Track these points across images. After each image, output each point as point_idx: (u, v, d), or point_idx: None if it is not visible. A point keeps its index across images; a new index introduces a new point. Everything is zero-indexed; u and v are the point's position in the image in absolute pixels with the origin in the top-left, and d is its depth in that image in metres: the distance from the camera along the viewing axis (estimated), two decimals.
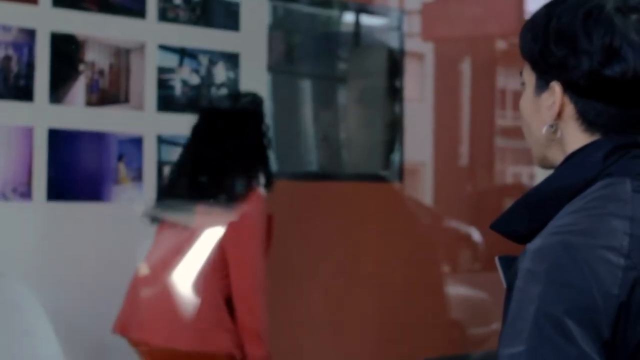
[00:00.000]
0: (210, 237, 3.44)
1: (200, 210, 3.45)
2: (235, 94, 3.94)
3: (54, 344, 3.49)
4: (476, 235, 6.16)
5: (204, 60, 3.95)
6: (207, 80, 3.95)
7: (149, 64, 3.82)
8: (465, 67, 6.50)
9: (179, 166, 3.61)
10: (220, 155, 3.46)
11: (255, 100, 3.61)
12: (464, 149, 6.46)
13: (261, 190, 3.48)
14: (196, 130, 3.53)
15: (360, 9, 5.85)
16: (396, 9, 6.06)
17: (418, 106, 6.35)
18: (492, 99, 6.51)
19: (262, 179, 3.50)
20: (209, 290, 3.36)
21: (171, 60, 3.89)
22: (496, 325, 5.41)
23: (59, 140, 3.61)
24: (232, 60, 4.01)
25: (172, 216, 3.49)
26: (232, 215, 3.35)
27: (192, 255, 3.44)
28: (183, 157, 3.60)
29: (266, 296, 3.39)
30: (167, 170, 3.83)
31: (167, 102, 3.87)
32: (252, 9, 4.08)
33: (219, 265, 3.36)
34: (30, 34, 3.54)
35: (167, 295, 3.37)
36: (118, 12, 3.75)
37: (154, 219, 3.48)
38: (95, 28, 3.69)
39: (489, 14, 6.11)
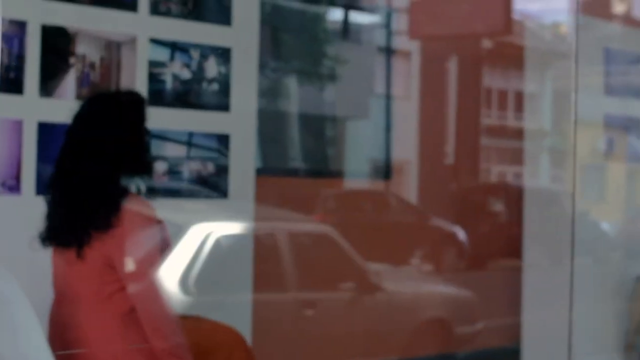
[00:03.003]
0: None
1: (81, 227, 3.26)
2: (116, 91, 3.80)
3: (42, 339, 3.44)
4: (460, 233, 6.16)
5: (195, 54, 3.92)
6: (199, 74, 3.93)
7: (140, 58, 3.79)
8: (452, 66, 6.49)
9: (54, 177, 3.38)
10: (94, 156, 3.27)
11: (135, 99, 3.52)
12: (450, 148, 6.46)
13: (141, 197, 3.38)
14: (72, 128, 3.35)
15: (348, 6, 5.85)
16: (384, 7, 6.06)
17: (404, 104, 6.34)
18: (477, 97, 6.51)
19: (141, 184, 3.40)
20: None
21: (162, 54, 3.86)
22: (482, 324, 5.42)
23: (48, 134, 3.57)
24: (223, 54, 3.98)
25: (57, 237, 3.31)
26: (115, 230, 3.21)
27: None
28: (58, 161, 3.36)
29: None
30: (158, 165, 3.80)
31: (157, 97, 3.83)
32: (244, 4, 4.06)
33: (108, 279, 3.26)
34: (21, 26, 3.50)
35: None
36: (109, 5, 3.72)
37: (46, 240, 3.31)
38: (87, 21, 3.65)
39: (476, 13, 6.10)
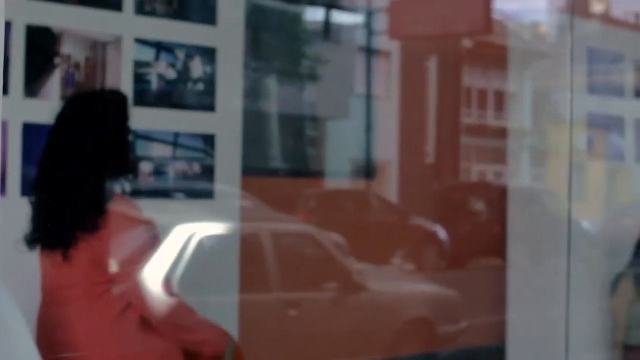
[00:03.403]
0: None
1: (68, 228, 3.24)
2: (98, 90, 3.75)
3: (29, 342, 3.42)
4: (441, 233, 6.17)
5: (180, 54, 3.90)
6: (184, 75, 3.91)
7: (126, 58, 3.77)
8: (432, 66, 6.50)
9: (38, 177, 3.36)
10: (77, 157, 3.28)
11: (117, 98, 3.51)
12: (430, 147, 6.47)
13: (127, 197, 3.37)
14: (54, 129, 3.33)
15: (328, 6, 5.85)
16: (364, 7, 6.06)
17: (385, 104, 6.35)
18: (458, 97, 6.53)
19: (125, 184, 3.40)
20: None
21: (148, 54, 3.84)
22: (465, 324, 5.43)
23: (34, 134, 3.54)
24: (209, 54, 3.97)
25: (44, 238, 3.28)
26: (102, 231, 3.20)
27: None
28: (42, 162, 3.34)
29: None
30: (143, 166, 3.78)
31: (143, 97, 3.81)
32: (229, 4, 4.04)
33: (96, 281, 3.25)
34: (6, 27, 3.46)
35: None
36: (95, 5, 3.69)
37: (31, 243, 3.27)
38: (72, 21, 3.63)
39: (456, 13, 6.12)
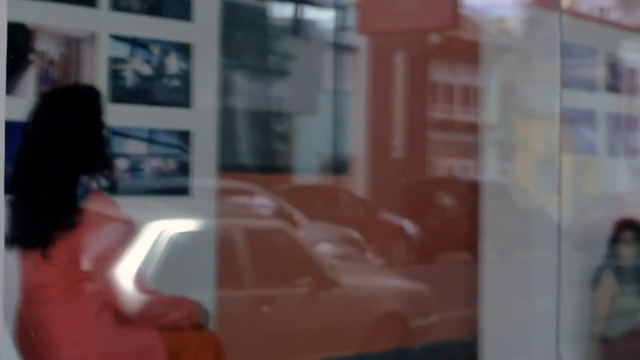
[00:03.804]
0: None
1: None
2: (71, 85, 3.74)
3: (8, 341, 3.39)
4: (410, 227, 6.18)
5: (155, 50, 3.88)
6: (159, 70, 3.88)
7: (100, 54, 3.74)
8: (400, 61, 6.51)
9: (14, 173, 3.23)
10: (52, 153, 3.22)
11: (90, 93, 3.46)
12: (399, 142, 6.48)
13: (105, 194, 3.35)
14: (28, 125, 3.27)
15: (297, 2, 5.84)
16: (333, 2, 6.06)
17: (353, 99, 6.35)
18: (425, 92, 6.54)
19: (102, 180, 3.34)
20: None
21: (123, 50, 3.81)
22: (436, 318, 5.45)
23: (9, 132, 3.49)
24: (184, 50, 3.95)
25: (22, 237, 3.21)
26: (79, 229, 3.16)
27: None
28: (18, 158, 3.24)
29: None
30: (119, 162, 3.76)
31: (118, 93, 3.78)
32: None
33: (74, 278, 3.23)
34: None
35: None
36: (69, 1, 3.66)
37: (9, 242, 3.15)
38: (46, 17, 3.59)
39: (424, 8, 6.13)
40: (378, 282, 5.57)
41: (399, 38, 6.41)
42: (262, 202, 5.47)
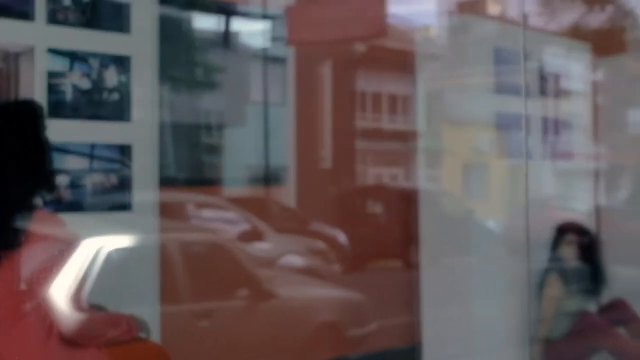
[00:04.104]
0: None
1: None
2: (10, 101, 3.65)
3: None
4: (341, 237, 6.19)
5: (94, 63, 3.82)
6: (99, 84, 3.82)
7: (38, 68, 3.67)
8: (326, 70, 6.52)
9: None
10: None
11: (31, 108, 3.42)
12: (327, 152, 6.48)
13: (50, 211, 3.29)
14: None
15: (224, 14, 5.81)
16: (260, 14, 6.04)
17: (281, 111, 6.34)
18: (352, 101, 6.56)
19: (47, 197, 3.26)
20: None
21: (61, 64, 3.74)
22: (374, 326, 5.47)
23: None
24: (123, 63, 3.89)
25: None
26: (25, 248, 3.10)
27: None
28: None
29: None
30: (59, 179, 3.68)
31: (57, 108, 3.71)
32: (142, 11, 3.97)
33: (22, 299, 3.16)
34: None
35: None
36: (5, 15, 3.58)
37: None
38: None
39: (351, 17, 6.15)
40: (314, 292, 5.56)
41: (326, 48, 6.43)
42: (227, 214, 5.45)
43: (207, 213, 5.41)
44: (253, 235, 5.53)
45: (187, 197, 5.17)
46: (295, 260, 5.76)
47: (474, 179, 5.86)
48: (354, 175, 6.60)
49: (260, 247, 5.36)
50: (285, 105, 6.38)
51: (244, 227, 5.58)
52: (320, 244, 6.11)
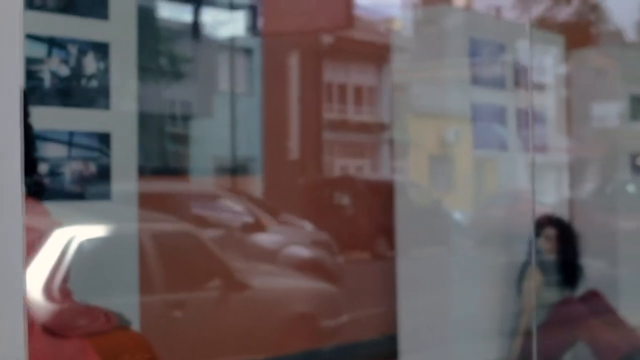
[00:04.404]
0: None
1: None
2: None
3: None
4: (309, 228, 6.17)
5: (73, 50, 3.75)
6: (77, 71, 3.76)
7: None
8: (293, 61, 6.49)
9: None
10: None
11: None
12: (294, 143, 6.45)
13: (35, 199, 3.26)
14: None
15: (192, 3, 5.76)
16: (227, 3, 6.00)
17: (248, 101, 6.30)
18: (319, 92, 6.54)
19: (31, 185, 3.26)
20: None
21: (39, 50, 3.67)
22: (347, 317, 5.46)
23: None
24: (101, 50, 3.83)
25: None
26: None
27: None
28: None
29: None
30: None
31: (35, 95, 3.65)
32: None
33: None
34: None
35: None
36: None
37: None
38: None
39: (318, 8, 6.13)
40: (288, 283, 5.52)
41: (293, 39, 6.40)
42: (228, 205, 5.42)
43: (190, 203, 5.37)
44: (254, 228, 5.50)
45: (168, 187, 5.12)
46: (332, 251, 5.77)
47: (447, 171, 5.87)
48: (321, 166, 6.58)
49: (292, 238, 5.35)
50: (252, 96, 6.35)
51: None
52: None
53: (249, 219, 5.77)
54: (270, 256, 5.59)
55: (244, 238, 5.58)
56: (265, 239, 5.71)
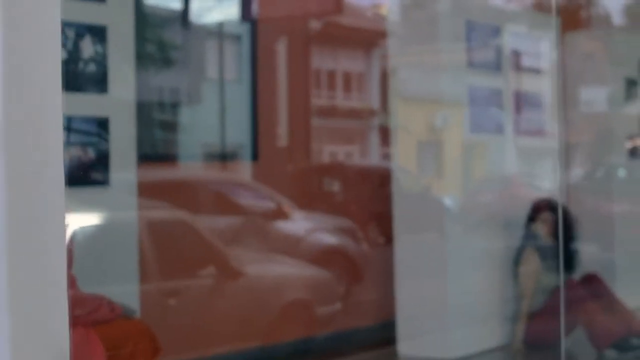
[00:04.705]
0: None
1: None
2: None
3: None
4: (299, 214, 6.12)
5: (70, 33, 3.68)
6: (75, 55, 3.69)
7: None
8: (282, 47, 6.44)
9: None
10: None
11: None
12: (283, 129, 6.40)
13: None
14: None
15: None
16: None
17: (237, 87, 6.24)
18: (308, 78, 6.49)
19: None
20: None
21: None
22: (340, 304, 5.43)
23: None
24: (99, 33, 3.76)
25: None
26: None
27: None
28: None
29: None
30: None
31: None
32: None
33: None
34: None
35: None
36: None
37: None
38: None
39: None
40: (282, 270, 5.47)
41: (282, 25, 6.34)
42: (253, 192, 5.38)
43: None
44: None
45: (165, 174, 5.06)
46: (356, 237, 5.75)
47: (438, 155, 5.83)
48: (310, 152, 6.53)
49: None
50: (240, 82, 6.29)
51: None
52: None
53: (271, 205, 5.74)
54: (294, 244, 5.57)
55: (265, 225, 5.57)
56: (288, 226, 5.70)
